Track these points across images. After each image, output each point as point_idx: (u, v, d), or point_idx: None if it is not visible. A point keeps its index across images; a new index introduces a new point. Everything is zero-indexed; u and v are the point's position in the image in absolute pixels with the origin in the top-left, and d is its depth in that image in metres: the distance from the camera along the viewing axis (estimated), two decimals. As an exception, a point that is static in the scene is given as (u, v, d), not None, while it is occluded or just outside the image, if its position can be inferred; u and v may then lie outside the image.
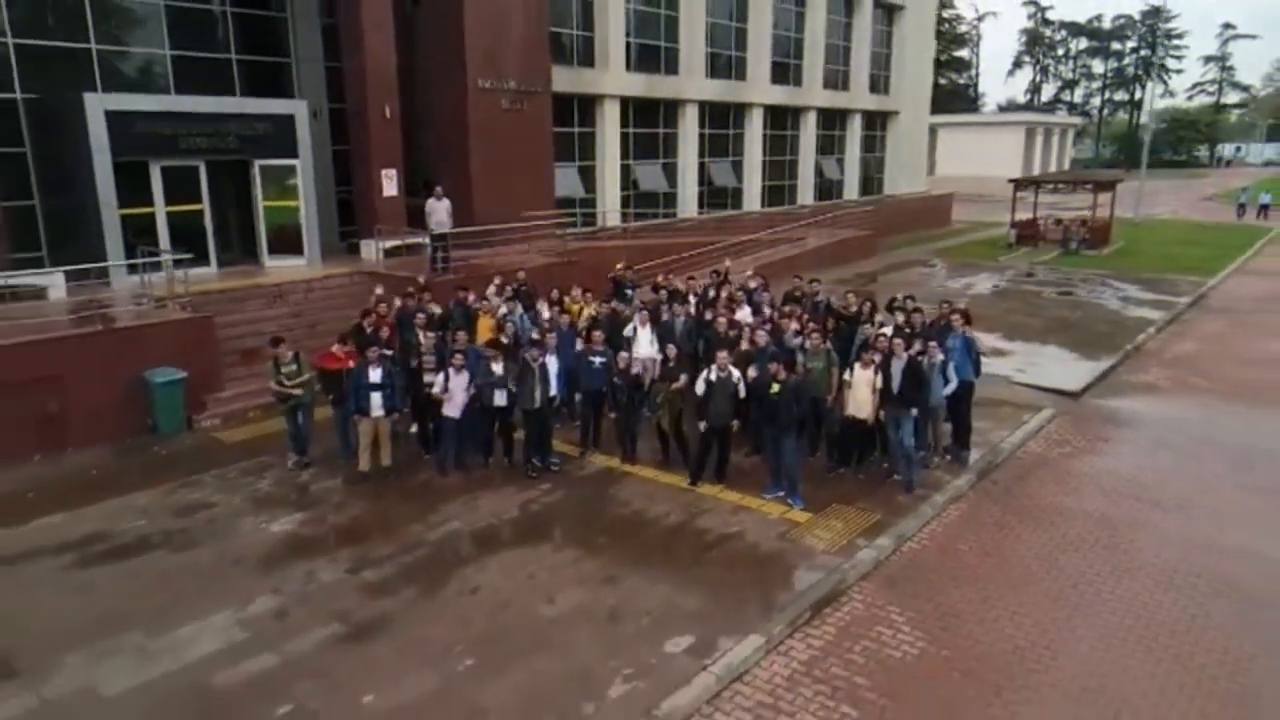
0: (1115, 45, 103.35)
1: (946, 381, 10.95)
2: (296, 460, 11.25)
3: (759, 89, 30.73)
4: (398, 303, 13.01)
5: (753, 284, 14.63)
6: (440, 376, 10.81)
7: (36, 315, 12.83)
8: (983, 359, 12.08)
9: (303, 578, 8.47)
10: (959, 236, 37.56)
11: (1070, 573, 8.79)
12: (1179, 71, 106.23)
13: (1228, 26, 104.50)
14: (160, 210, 16.42)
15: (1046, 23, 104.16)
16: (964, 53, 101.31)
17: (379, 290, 13.82)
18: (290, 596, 8.12)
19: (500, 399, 10.99)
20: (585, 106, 24.81)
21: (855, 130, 36.95)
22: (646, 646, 7.29)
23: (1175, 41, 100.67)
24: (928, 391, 10.67)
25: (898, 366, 10.48)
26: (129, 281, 15.24)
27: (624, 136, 25.97)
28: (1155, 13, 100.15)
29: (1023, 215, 34.64)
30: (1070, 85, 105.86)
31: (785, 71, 32.38)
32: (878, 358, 10.55)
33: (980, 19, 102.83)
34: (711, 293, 14.47)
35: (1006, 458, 11.90)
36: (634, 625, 7.63)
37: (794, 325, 11.72)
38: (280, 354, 11.12)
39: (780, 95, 31.90)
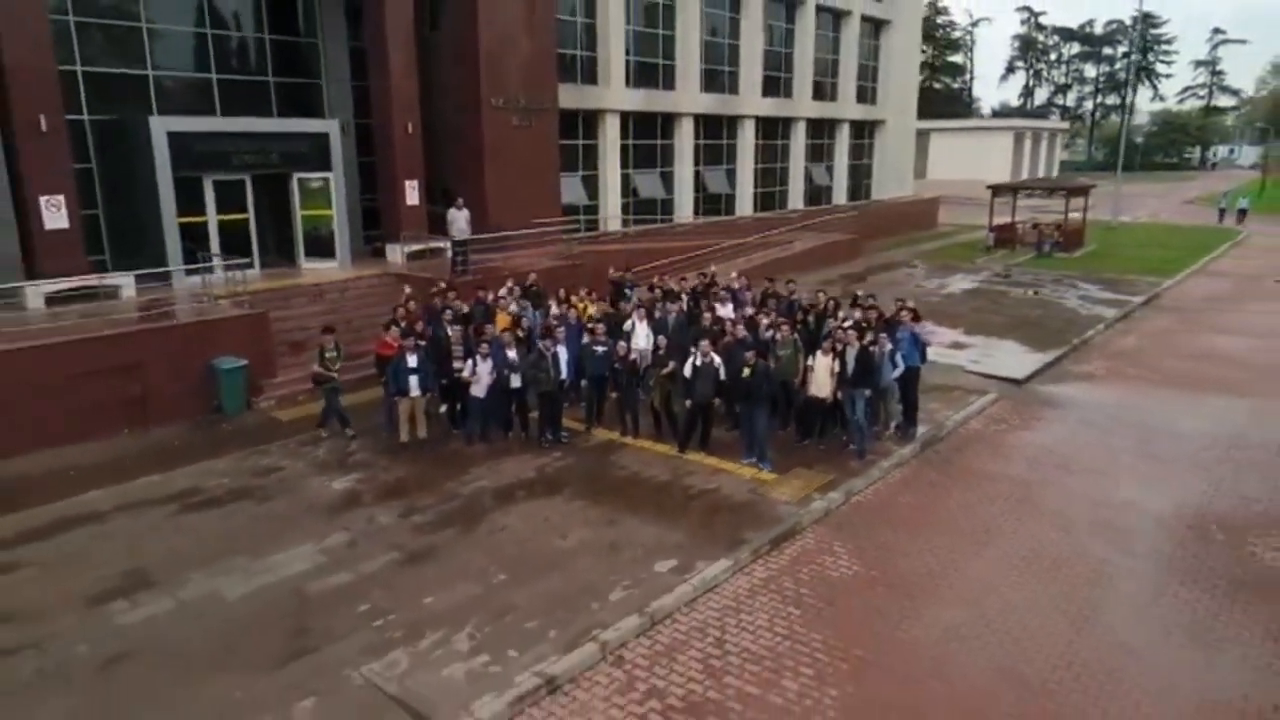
0: (1107, 50, 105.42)
1: (895, 366, 13.02)
2: (347, 434, 13.32)
3: (750, 102, 32.76)
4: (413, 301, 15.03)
5: (736, 285, 16.71)
6: (469, 363, 12.88)
7: (117, 312, 14.91)
8: (946, 350, 14.11)
9: (365, 521, 10.54)
10: (943, 239, 39.59)
11: (984, 519, 10.84)
12: (1168, 76, 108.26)
13: (1217, 31, 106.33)
14: (212, 219, 18.52)
15: (1040, 28, 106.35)
16: (958, 57, 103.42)
17: (407, 290, 15.89)
18: (357, 533, 10.19)
19: (516, 381, 13.07)
20: (589, 120, 26.84)
21: (843, 139, 38.98)
22: (639, 567, 9.35)
23: (1165, 47, 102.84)
24: (878, 375, 12.71)
25: (852, 354, 12.55)
26: (187, 282, 17.31)
27: (624, 148, 28.00)
28: (1146, 18, 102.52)
29: (1004, 219, 36.68)
30: (1063, 89, 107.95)
31: (776, 84, 34.40)
32: (837, 346, 12.61)
33: (974, 24, 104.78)
34: (700, 292, 16.55)
35: (949, 433, 13.95)
36: (630, 554, 9.68)
37: (765, 320, 13.78)
38: (325, 341, 13.23)
39: (771, 107, 33.94)
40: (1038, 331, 20.78)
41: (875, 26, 39.88)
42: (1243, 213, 48.21)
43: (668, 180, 30.26)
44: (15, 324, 14.06)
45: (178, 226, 17.58)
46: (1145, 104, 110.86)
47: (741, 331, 13.23)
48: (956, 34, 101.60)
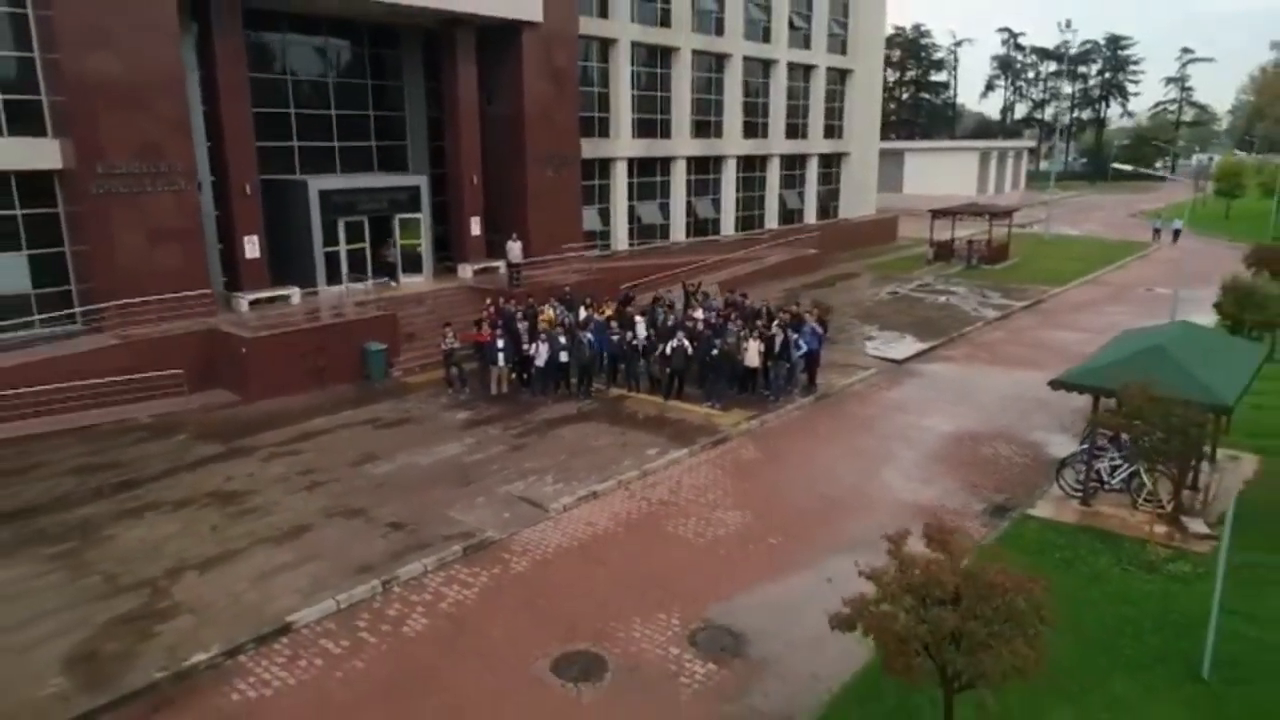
0: (1081, 68, 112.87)
1: (800, 349, 20.90)
2: (456, 389, 21.21)
3: (732, 143, 40.59)
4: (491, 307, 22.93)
5: (709, 293, 24.61)
6: (534, 345, 20.77)
7: (298, 313, 22.84)
8: (857, 340, 21.79)
9: (481, 433, 18.43)
10: (896, 252, 47.28)
11: (840, 434, 18.70)
12: (1136, 95, 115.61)
13: (1186, 51, 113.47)
14: (343, 248, 26.38)
15: (1019, 48, 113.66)
16: (942, 76, 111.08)
17: (487, 300, 23.79)
18: (479, 439, 18.08)
19: (564, 357, 20.94)
20: (603, 165, 34.65)
21: (813, 169, 46.77)
22: (638, 453, 17.21)
23: (1133, 67, 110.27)
24: (789, 354, 20.60)
25: (779, 339, 20.41)
26: (331, 292, 25.23)
27: (630, 185, 35.86)
28: (1115, 40, 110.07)
29: (946, 235, 44.22)
30: (1040, 105, 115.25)
31: (754, 128, 42.21)
32: (763, 334, 20.48)
33: (957, 44, 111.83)
34: (684, 298, 24.48)
35: (837, 392, 21.77)
36: (633, 448, 17.54)
37: (725, 318, 21.68)
38: (445, 331, 21.14)
39: (750, 147, 41.78)
40: (930, 328, 28.56)
41: (840, 74, 47.64)
42: (1176, 233, 51.19)
43: (665, 209, 38.13)
44: (252, 321, 22.03)
45: (324, 254, 25.53)
46: (1116, 119, 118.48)
47: (702, 327, 21.14)
48: (939, 54, 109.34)
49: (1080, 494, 14.72)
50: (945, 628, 6.02)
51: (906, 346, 26.22)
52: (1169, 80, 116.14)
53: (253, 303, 23.50)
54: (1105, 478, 14.75)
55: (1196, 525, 13.48)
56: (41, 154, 20.01)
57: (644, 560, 13.11)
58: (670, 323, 22.06)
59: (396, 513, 14.47)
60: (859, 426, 19.27)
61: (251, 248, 23.77)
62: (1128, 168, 42.81)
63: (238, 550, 13.18)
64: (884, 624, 6.21)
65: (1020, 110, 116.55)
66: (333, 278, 25.79)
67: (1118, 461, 14.71)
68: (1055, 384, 14.43)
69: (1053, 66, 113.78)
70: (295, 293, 24.58)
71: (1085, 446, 15.22)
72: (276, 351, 20.75)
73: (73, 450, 17.39)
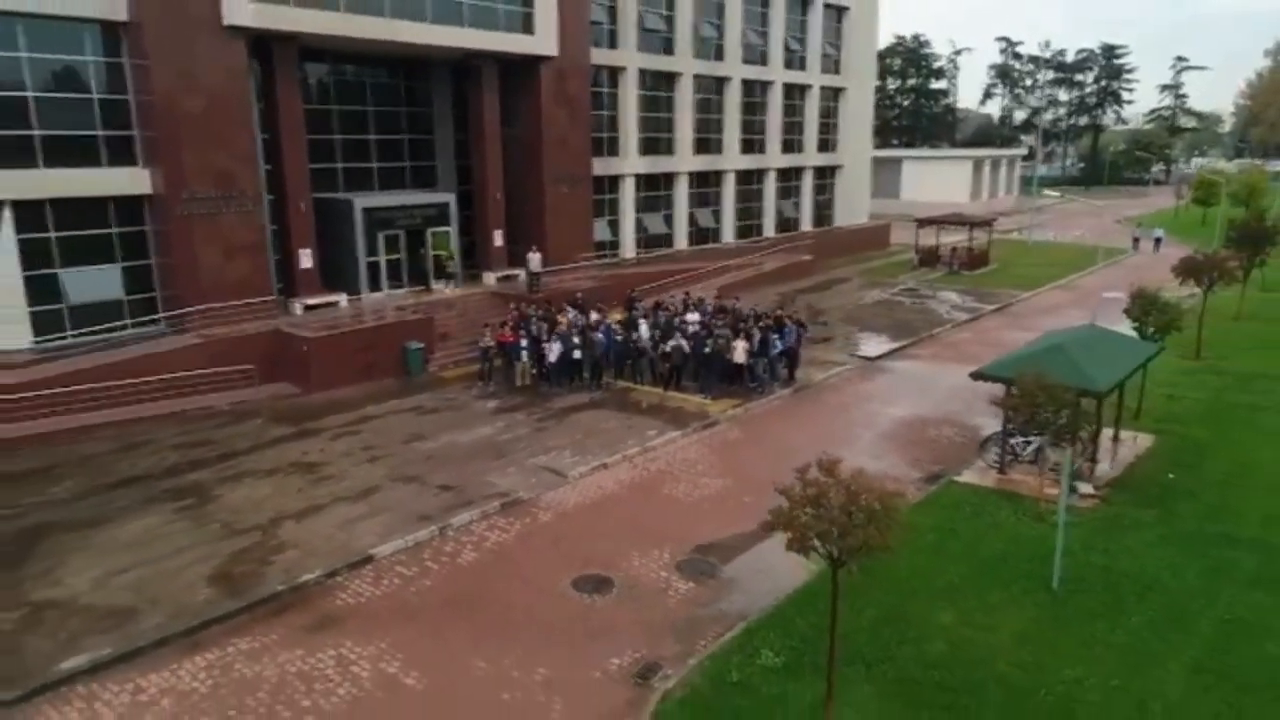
0: (1078, 76, 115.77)
1: (776, 348, 24.30)
2: (485, 382, 24.69)
3: (731, 159, 43.98)
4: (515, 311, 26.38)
5: (704, 299, 28.02)
6: (551, 344, 24.23)
7: (348, 316, 26.35)
8: (838, 339, 25.20)
9: (509, 418, 21.89)
10: (886, 258, 50.58)
11: (816, 418, 22.08)
12: (1131, 102, 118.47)
13: (1180, 59, 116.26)
14: (382, 258, 29.89)
15: (1016, 56, 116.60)
16: (941, 84, 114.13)
17: (511, 305, 27.26)
18: (508, 423, 21.54)
19: (577, 354, 24.39)
20: (612, 181, 38.09)
21: (808, 180, 50.10)
22: (640, 433, 20.63)
23: (1127, 75, 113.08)
24: (770, 350, 24.01)
25: (756, 339, 23.83)
26: (372, 297, 28.76)
27: (637, 199, 39.30)
28: (1110, 50, 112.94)
29: (933, 242, 47.50)
30: (1037, 112, 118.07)
31: (751, 144, 45.57)
32: (748, 334, 23.89)
33: (957, 54, 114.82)
34: (681, 305, 27.93)
35: (814, 385, 25.15)
36: (636, 429, 20.96)
37: (716, 320, 25.14)
38: (483, 331, 24.64)
39: (748, 162, 45.15)
40: (905, 329, 31.88)
41: (834, 92, 50.97)
42: (1157, 241, 52.05)
43: (669, 220, 41.56)
44: (310, 323, 25.57)
45: (366, 263, 29.07)
46: (1113, 125, 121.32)
47: (695, 328, 24.60)
48: (939, 63, 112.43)
49: (998, 465, 18.07)
50: (828, 522, 9.38)
51: (880, 345, 29.55)
52: (1164, 87, 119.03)
53: (307, 307, 27.05)
54: (1018, 452, 18.11)
55: (1085, 488, 16.83)
56: (135, 182, 23.62)
57: (643, 513, 16.55)
58: (674, 323, 25.50)
59: (445, 479, 17.95)
60: (829, 413, 22.66)
61: (306, 259, 27.31)
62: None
63: (322, 505, 16.68)
64: (791, 521, 9.58)
65: (1018, 117, 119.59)
66: (374, 284, 29.31)
67: (1029, 438, 18.04)
68: (975, 375, 17.79)
69: (1050, 74, 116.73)
70: (342, 298, 28.12)
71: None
72: (332, 349, 24.27)
73: (170, 431, 20.95)
